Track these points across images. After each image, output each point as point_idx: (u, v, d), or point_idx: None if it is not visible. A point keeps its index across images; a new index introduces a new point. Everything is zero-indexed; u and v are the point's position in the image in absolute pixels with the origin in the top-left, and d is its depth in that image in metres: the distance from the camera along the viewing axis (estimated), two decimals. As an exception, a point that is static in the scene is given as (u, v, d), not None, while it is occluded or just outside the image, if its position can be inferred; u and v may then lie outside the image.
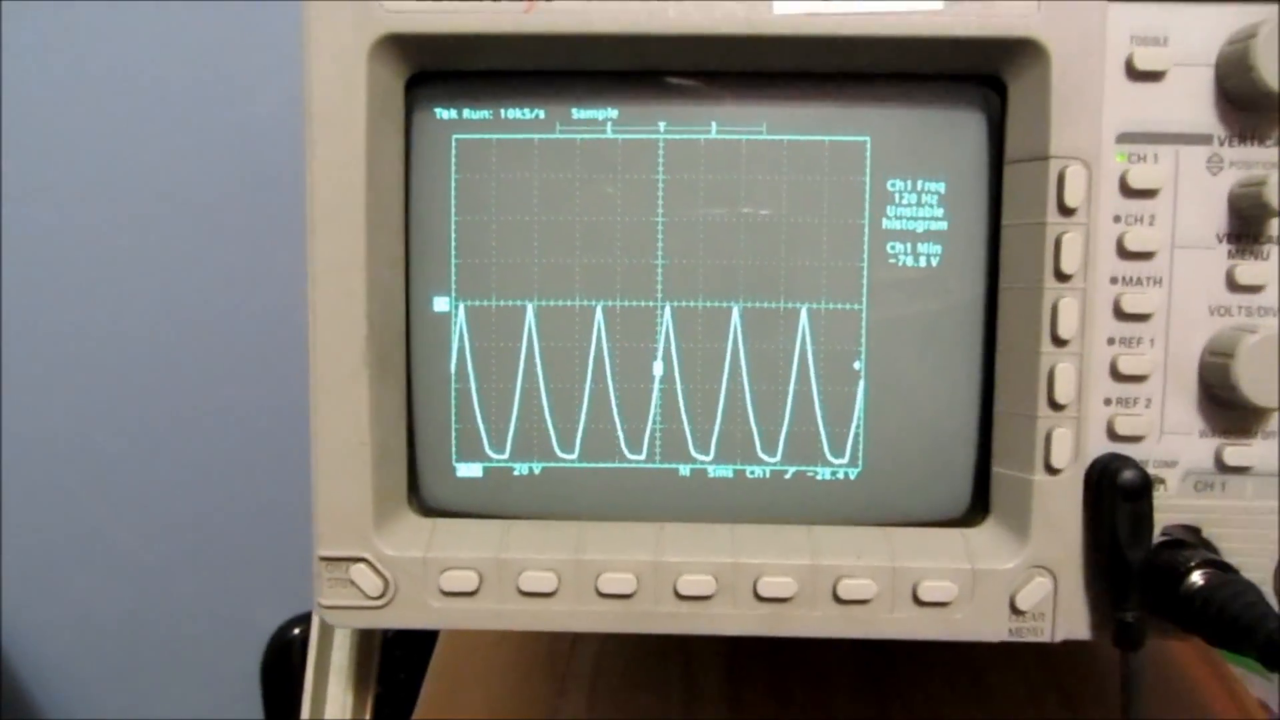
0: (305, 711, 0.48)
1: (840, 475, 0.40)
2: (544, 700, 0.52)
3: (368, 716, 0.49)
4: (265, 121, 0.91)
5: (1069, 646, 0.52)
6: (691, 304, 0.40)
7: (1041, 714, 0.48)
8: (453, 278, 0.40)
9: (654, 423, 0.40)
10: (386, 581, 0.38)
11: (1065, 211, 0.36)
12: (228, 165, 0.93)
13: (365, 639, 0.49)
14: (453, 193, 0.39)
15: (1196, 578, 0.35)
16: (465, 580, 0.38)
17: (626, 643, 0.56)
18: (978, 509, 0.40)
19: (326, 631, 0.49)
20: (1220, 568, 0.35)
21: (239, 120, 0.92)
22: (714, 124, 0.39)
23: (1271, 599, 0.35)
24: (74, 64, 0.92)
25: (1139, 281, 0.37)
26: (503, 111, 0.39)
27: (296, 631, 0.98)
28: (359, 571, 0.38)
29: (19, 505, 1.01)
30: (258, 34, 0.89)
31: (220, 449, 1.00)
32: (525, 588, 0.38)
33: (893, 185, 0.39)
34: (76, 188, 0.95)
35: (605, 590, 0.38)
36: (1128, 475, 0.36)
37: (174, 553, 1.02)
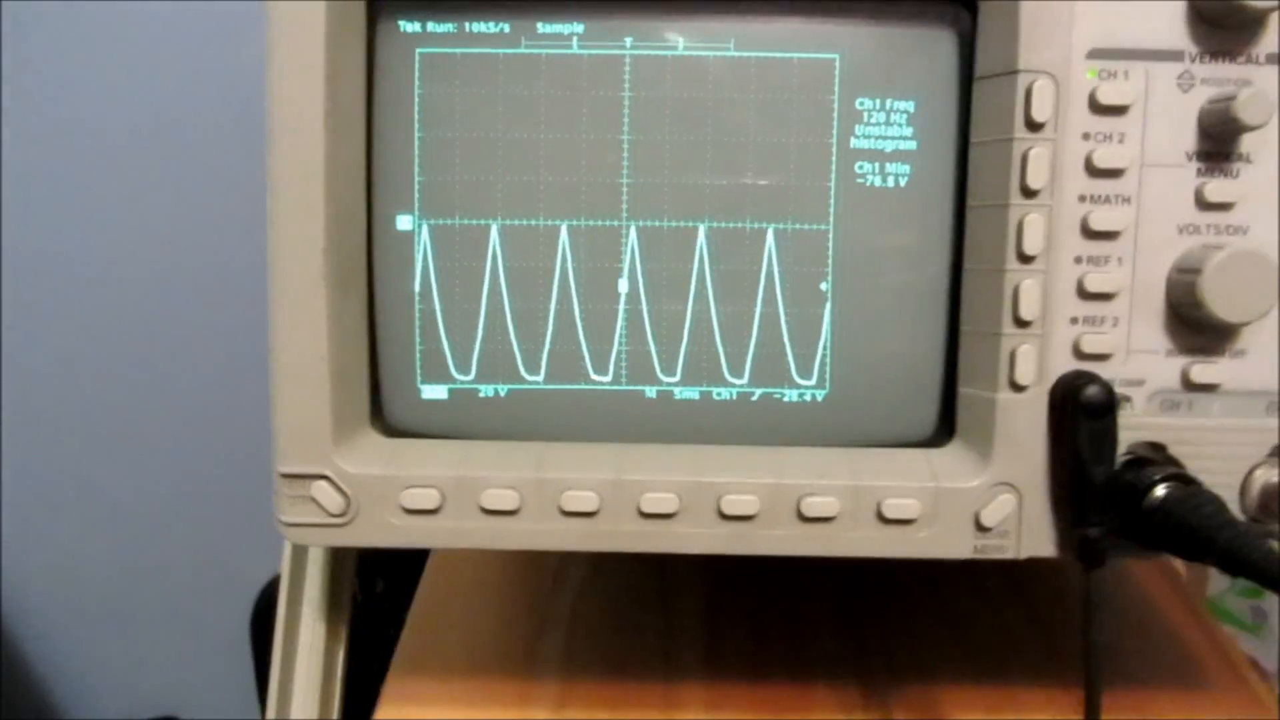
0: (277, 642, 0.48)
1: (808, 397, 0.40)
2: (522, 640, 0.52)
3: (341, 646, 0.49)
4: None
5: (1051, 590, 0.52)
6: (657, 224, 0.39)
7: (1021, 660, 0.48)
8: (416, 196, 0.39)
9: (620, 344, 0.40)
10: (348, 499, 0.38)
11: (1033, 127, 0.36)
12: (217, 115, 0.93)
13: (337, 570, 0.49)
14: (416, 108, 0.39)
15: (1159, 492, 0.34)
16: (426, 498, 0.38)
17: (606, 585, 0.56)
18: (944, 431, 0.39)
19: (299, 563, 0.49)
20: (1183, 481, 0.35)
21: (241, 102, 0.92)
22: (681, 40, 0.39)
23: (1239, 517, 0.35)
24: (74, 38, 0.92)
25: (1107, 199, 0.37)
26: (468, 25, 0.39)
27: (284, 586, 0.98)
28: (320, 489, 0.38)
29: (11, 456, 1.02)
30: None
31: (213, 399, 1.00)
32: (487, 505, 0.38)
33: (861, 104, 0.39)
34: (72, 148, 0.95)
35: (567, 509, 0.38)
36: (1091, 391, 0.36)
37: (165, 503, 1.03)
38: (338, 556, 0.48)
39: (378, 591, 0.86)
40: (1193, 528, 0.33)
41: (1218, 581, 0.88)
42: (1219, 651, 0.49)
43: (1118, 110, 0.36)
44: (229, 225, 0.94)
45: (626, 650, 0.50)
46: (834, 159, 0.39)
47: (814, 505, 0.37)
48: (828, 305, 0.39)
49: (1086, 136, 0.36)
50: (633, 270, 0.39)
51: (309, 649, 0.49)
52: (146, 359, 1.00)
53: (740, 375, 0.40)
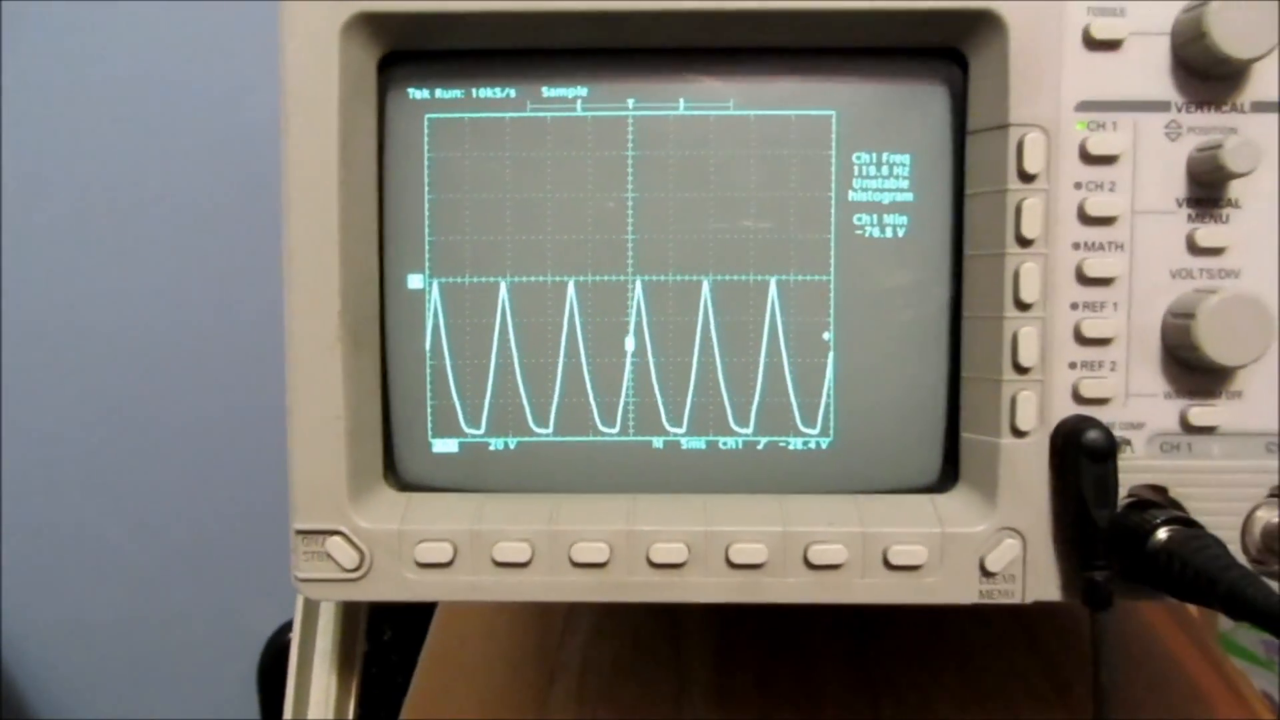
0: (289, 694, 0.48)
1: (812, 445, 0.41)
2: (534, 690, 0.53)
3: (352, 701, 0.50)
4: (258, 128, 0.92)
5: (1058, 630, 0.53)
6: (662, 278, 0.40)
7: (1030, 700, 0.48)
8: (427, 255, 0.40)
9: (627, 396, 0.41)
10: (362, 554, 0.39)
11: (1025, 178, 0.37)
12: (223, 170, 0.94)
13: (349, 623, 0.49)
14: (426, 171, 0.40)
15: (1162, 535, 0.35)
16: (440, 552, 0.38)
17: (616, 633, 0.57)
18: (948, 476, 0.40)
19: (310, 616, 0.49)
20: (1185, 524, 0.35)
21: (233, 126, 0.94)
22: (682, 100, 0.40)
23: (1240, 558, 0.36)
24: (71, 68, 0.94)
25: (1101, 246, 0.38)
26: (474, 91, 0.40)
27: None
28: (335, 544, 0.39)
29: (16, 507, 1.02)
30: (251, 41, 0.90)
31: (217, 451, 1.01)
32: (500, 558, 0.38)
33: (859, 158, 0.40)
34: (74, 192, 0.97)
35: (579, 560, 0.38)
36: (1092, 435, 0.36)
37: (171, 556, 1.03)
38: (350, 610, 0.49)
39: (385, 639, 0.87)
40: (1196, 570, 0.33)
41: (1230, 617, 0.88)
42: (1230, 688, 0.49)
43: (1108, 160, 0.37)
44: (235, 276, 0.95)
45: (637, 697, 0.50)
46: (833, 212, 0.40)
47: (821, 553, 0.38)
48: (831, 354, 0.40)
49: (1079, 186, 0.37)
50: (639, 324, 0.40)
51: (320, 703, 0.49)
52: (151, 411, 1.01)
53: (746, 425, 0.41)
